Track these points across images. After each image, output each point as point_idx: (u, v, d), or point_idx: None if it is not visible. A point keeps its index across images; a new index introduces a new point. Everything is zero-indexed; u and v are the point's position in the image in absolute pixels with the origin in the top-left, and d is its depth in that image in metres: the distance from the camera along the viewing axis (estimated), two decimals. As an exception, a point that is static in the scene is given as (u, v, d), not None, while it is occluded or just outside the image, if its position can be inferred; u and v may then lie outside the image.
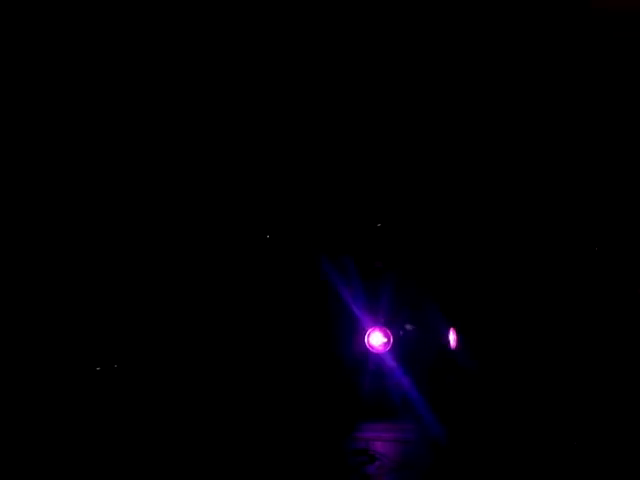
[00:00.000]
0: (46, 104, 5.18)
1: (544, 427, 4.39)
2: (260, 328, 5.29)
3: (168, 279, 5.40)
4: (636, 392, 4.75)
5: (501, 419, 4.61)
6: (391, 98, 5.73)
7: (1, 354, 4.66)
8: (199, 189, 5.66)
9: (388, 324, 5.30)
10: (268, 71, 5.55)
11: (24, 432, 4.00)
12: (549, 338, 5.39)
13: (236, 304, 5.39)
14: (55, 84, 5.07)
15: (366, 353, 5.25)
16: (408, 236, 5.81)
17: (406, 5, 5.24)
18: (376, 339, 5.34)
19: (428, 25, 5.40)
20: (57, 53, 4.61)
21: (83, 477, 3.54)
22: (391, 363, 5.20)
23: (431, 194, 5.85)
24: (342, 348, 5.23)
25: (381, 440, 4.47)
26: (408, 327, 4.95)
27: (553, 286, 5.59)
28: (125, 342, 5.18)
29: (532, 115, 5.67)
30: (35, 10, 4.02)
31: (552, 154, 5.71)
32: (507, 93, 5.64)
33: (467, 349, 5.55)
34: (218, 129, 5.71)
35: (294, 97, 5.68)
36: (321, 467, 3.93)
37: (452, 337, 5.77)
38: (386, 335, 5.33)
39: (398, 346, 5.30)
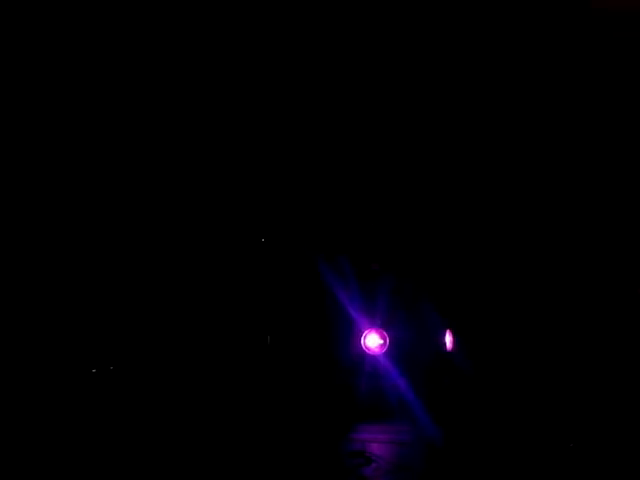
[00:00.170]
0: (46, 104, 5.17)
1: (541, 428, 4.39)
2: (257, 329, 5.29)
3: (164, 280, 5.39)
4: (636, 392, 4.75)
5: (497, 420, 4.60)
6: (390, 98, 5.73)
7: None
8: (197, 190, 5.66)
9: (384, 326, 5.31)
10: (268, 71, 5.54)
11: (22, 434, 3.98)
12: (547, 339, 5.39)
13: (233, 306, 5.38)
14: (55, 84, 5.06)
15: (362, 355, 5.25)
16: (405, 237, 5.81)
17: (406, 5, 5.24)
18: (372, 341, 5.34)
19: (428, 25, 5.41)
20: (57, 53, 4.60)
21: (82, 478, 3.54)
22: (387, 365, 5.20)
23: (428, 195, 5.86)
24: (338, 350, 5.22)
25: (377, 442, 4.47)
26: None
27: (551, 287, 5.59)
28: (122, 344, 5.16)
29: (532, 115, 5.67)
30: (35, 10, 4.02)
31: (552, 154, 5.71)
32: (507, 93, 5.64)
33: (463, 351, 5.55)
34: (215, 130, 5.70)
35: (292, 98, 5.67)
36: (317, 469, 3.92)
37: (448, 339, 5.77)
38: (382, 337, 5.33)
39: (394, 348, 5.30)
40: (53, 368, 4.79)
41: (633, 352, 5.21)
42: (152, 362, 5.12)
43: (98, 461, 3.75)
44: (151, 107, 5.56)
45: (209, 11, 5.37)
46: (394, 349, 5.27)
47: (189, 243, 5.54)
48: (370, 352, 5.29)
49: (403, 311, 5.42)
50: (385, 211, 5.85)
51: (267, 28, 5.38)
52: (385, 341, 5.32)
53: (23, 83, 4.98)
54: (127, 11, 5.16)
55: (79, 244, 5.31)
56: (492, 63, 5.53)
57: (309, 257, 5.47)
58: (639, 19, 5.09)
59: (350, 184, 5.79)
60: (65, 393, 4.65)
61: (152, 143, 5.59)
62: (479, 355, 5.36)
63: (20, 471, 3.54)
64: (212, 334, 5.26)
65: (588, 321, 5.39)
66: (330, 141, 5.69)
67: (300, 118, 5.66)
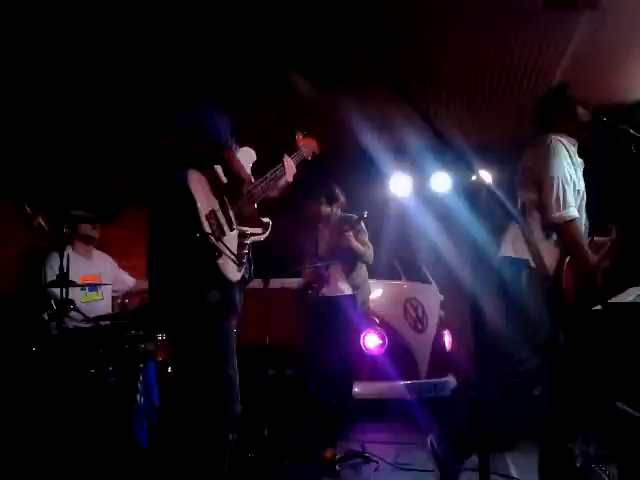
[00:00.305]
0: (46, 104, 5.15)
1: (543, 428, 4.35)
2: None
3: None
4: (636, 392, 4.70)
5: (499, 421, 4.56)
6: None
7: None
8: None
9: None
10: (268, 71, 5.52)
11: (22, 436, 3.94)
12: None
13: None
14: (55, 84, 5.04)
15: (361, 355, 5.22)
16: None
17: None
18: (371, 341, 5.31)
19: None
20: (57, 53, 4.58)
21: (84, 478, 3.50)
22: (386, 365, 5.17)
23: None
24: (337, 349, 5.19)
25: (377, 442, 4.45)
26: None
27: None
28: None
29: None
30: (35, 10, 4.01)
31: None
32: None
33: (464, 350, 5.53)
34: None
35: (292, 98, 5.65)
36: (317, 470, 3.90)
37: (448, 339, 5.76)
38: (381, 337, 5.30)
39: (393, 347, 5.27)
40: (54, 369, 4.75)
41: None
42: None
43: (100, 462, 3.71)
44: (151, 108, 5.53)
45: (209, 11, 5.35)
46: (393, 349, 5.26)
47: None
48: (369, 352, 5.27)
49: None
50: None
51: (267, 28, 5.37)
52: (384, 341, 5.29)
53: (26, 86, 4.97)
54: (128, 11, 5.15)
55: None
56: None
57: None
58: None
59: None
60: (65, 394, 4.61)
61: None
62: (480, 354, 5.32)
63: (21, 472, 3.50)
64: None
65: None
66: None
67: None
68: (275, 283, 4.35)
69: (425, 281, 6.32)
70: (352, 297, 4.71)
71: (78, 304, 3.87)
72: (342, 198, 4.97)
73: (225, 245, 2.54)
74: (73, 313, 3.79)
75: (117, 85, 4.71)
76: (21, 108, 4.84)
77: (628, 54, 4.64)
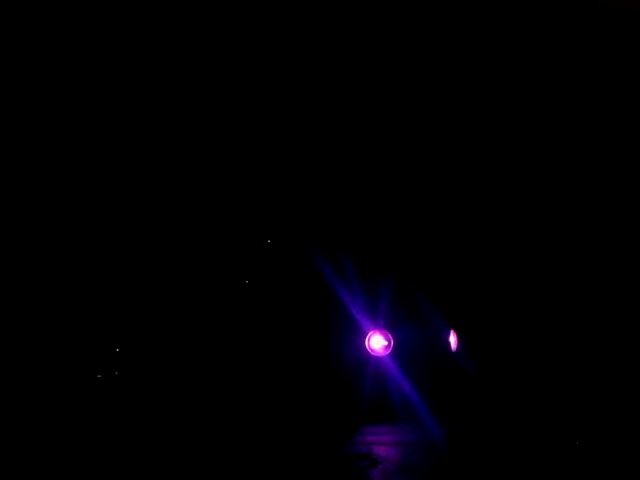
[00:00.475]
0: (46, 104, 5.16)
1: (545, 429, 4.39)
2: (260, 332, 5.29)
3: (168, 284, 5.39)
4: (636, 393, 4.76)
5: (502, 421, 4.61)
6: (390, 98, 5.73)
7: (2, 361, 4.65)
8: (199, 191, 5.66)
9: (388, 327, 5.31)
10: (267, 72, 5.54)
11: (25, 440, 3.99)
12: (549, 339, 5.40)
13: (236, 308, 5.38)
14: (55, 84, 5.05)
15: (367, 356, 5.25)
16: (407, 238, 5.81)
17: (409, 4, 5.23)
18: (376, 342, 5.34)
19: (431, 23, 5.40)
20: (57, 53, 4.59)
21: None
22: (392, 366, 5.20)
23: (430, 196, 5.86)
24: (342, 351, 5.22)
25: (383, 444, 4.48)
26: None
27: (553, 287, 5.59)
28: (125, 348, 5.17)
29: (535, 115, 5.67)
30: (35, 10, 4.01)
31: (553, 154, 5.71)
32: (512, 92, 5.63)
33: (468, 351, 5.55)
34: (217, 131, 5.70)
35: (293, 98, 5.67)
36: (323, 472, 3.93)
37: (452, 339, 5.78)
38: (386, 338, 5.33)
39: (399, 349, 5.29)
40: (59, 374, 4.80)
41: (633, 352, 5.21)
42: (156, 365, 5.12)
43: (103, 465, 3.76)
44: (152, 108, 5.55)
45: (210, 12, 5.36)
46: (398, 350, 5.28)
47: (193, 246, 5.54)
48: (374, 353, 5.30)
49: (406, 312, 5.42)
50: (387, 212, 5.85)
51: (267, 28, 5.37)
52: (389, 342, 5.32)
53: (24, 85, 4.97)
54: (128, 11, 5.16)
55: (81, 248, 5.31)
56: (497, 62, 5.52)
57: (312, 258, 5.47)
58: None
59: (354, 185, 5.79)
60: (71, 399, 4.66)
61: (153, 144, 5.58)
62: (483, 355, 5.36)
63: (25, 475, 3.55)
64: (217, 336, 5.27)
65: (590, 321, 5.40)
66: (333, 143, 5.69)
67: (303, 120, 5.66)
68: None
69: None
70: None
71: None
72: None
73: None
74: None
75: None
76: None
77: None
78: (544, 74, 5.57)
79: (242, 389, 4.99)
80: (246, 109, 5.65)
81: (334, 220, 5.75)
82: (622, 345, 5.27)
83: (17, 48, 4.64)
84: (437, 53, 5.54)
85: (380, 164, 5.83)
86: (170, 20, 5.36)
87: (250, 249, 5.65)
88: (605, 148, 5.62)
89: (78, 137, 5.41)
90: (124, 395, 4.92)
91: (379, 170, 5.85)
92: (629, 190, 5.58)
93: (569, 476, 3.66)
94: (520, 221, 5.74)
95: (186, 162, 5.64)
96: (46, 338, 4.96)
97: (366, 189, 5.84)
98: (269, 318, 5.33)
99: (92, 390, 4.85)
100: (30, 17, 4.61)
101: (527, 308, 5.52)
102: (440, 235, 5.81)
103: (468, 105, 5.71)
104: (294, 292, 5.46)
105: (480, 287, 5.61)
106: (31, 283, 5.08)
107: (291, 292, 5.46)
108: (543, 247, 5.69)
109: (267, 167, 5.72)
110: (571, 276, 5.58)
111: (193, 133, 5.66)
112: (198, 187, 5.67)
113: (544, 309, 5.51)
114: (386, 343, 5.33)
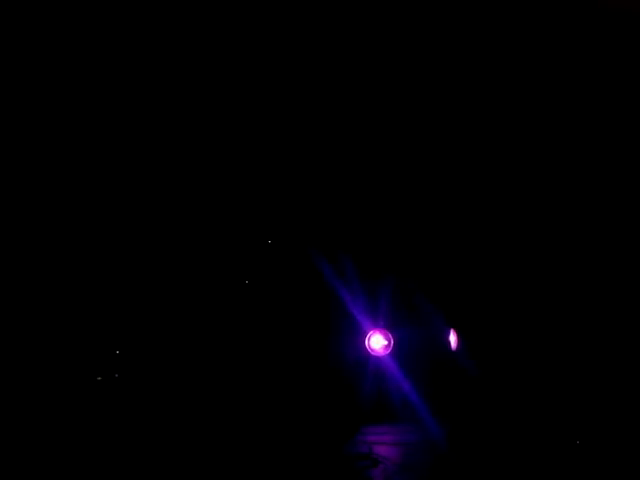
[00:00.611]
0: (46, 105, 5.16)
1: (545, 428, 4.40)
2: (260, 331, 5.29)
3: (168, 284, 5.39)
4: (636, 393, 4.76)
5: (502, 421, 4.62)
6: (391, 99, 5.73)
7: (2, 363, 4.65)
8: (199, 191, 5.66)
9: (388, 327, 5.31)
10: (268, 72, 5.55)
11: (25, 440, 3.99)
12: (550, 339, 5.40)
13: (236, 308, 5.39)
14: (55, 84, 5.05)
15: (367, 356, 5.25)
16: (408, 237, 5.81)
17: (408, 4, 5.23)
18: (377, 342, 5.35)
19: (431, 23, 5.40)
20: (57, 53, 4.59)
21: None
22: (392, 366, 5.21)
23: (431, 195, 5.86)
24: (342, 351, 5.23)
25: (383, 443, 4.49)
26: None
27: (553, 287, 5.59)
28: (125, 349, 5.17)
29: (535, 115, 5.67)
30: (35, 10, 4.02)
31: (554, 154, 5.71)
32: (512, 92, 5.64)
33: (468, 351, 5.56)
34: (217, 131, 5.70)
35: (293, 98, 5.68)
36: (324, 472, 3.93)
37: (453, 339, 5.78)
38: (387, 338, 5.34)
39: (399, 349, 5.30)
40: (58, 376, 4.80)
41: (633, 352, 5.22)
42: (155, 367, 5.13)
43: (104, 466, 3.76)
44: (152, 109, 5.56)
45: (209, 12, 5.37)
46: (398, 350, 5.28)
47: (193, 246, 5.54)
48: (374, 353, 5.30)
49: (406, 312, 5.42)
50: (388, 211, 5.85)
51: (267, 28, 5.38)
52: (389, 342, 5.32)
53: (25, 85, 4.97)
54: (129, 12, 5.16)
55: (81, 249, 5.31)
56: (497, 62, 5.53)
57: (312, 258, 5.47)
58: None
59: (353, 184, 5.79)
60: (71, 401, 4.66)
61: (153, 144, 5.59)
62: (484, 355, 5.37)
63: (25, 475, 3.55)
64: (216, 336, 5.27)
65: (591, 321, 5.40)
66: (334, 142, 5.69)
67: (303, 120, 5.66)
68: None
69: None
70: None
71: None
72: None
73: None
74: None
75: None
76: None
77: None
78: (544, 74, 5.58)
79: (242, 389, 4.99)
80: (246, 109, 5.66)
81: (334, 220, 5.75)
82: (622, 345, 5.28)
83: (17, 48, 4.64)
84: (437, 53, 5.54)
85: (380, 164, 5.84)
86: (170, 20, 5.36)
87: (250, 249, 5.65)
88: (605, 148, 5.62)
89: (78, 137, 5.41)
90: (124, 397, 4.92)
91: (379, 170, 5.86)
92: (629, 190, 5.59)
93: (569, 476, 3.67)
94: (520, 221, 5.74)
95: (186, 162, 5.64)
96: (46, 340, 4.97)
97: (366, 189, 5.85)
98: (269, 318, 5.33)
99: (92, 392, 4.85)
100: (30, 17, 4.61)
101: (527, 308, 5.52)
102: (440, 235, 5.81)
103: (468, 105, 5.71)
104: (294, 292, 5.46)
105: (480, 287, 5.62)
106: (31, 285, 5.08)
107: (291, 292, 5.47)
108: (543, 247, 5.69)
109: (267, 168, 5.73)
110: (571, 276, 5.58)
111: (193, 133, 5.66)
112: (198, 187, 5.67)
113: (544, 309, 5.51)
114: (386, 343, 5.33)
